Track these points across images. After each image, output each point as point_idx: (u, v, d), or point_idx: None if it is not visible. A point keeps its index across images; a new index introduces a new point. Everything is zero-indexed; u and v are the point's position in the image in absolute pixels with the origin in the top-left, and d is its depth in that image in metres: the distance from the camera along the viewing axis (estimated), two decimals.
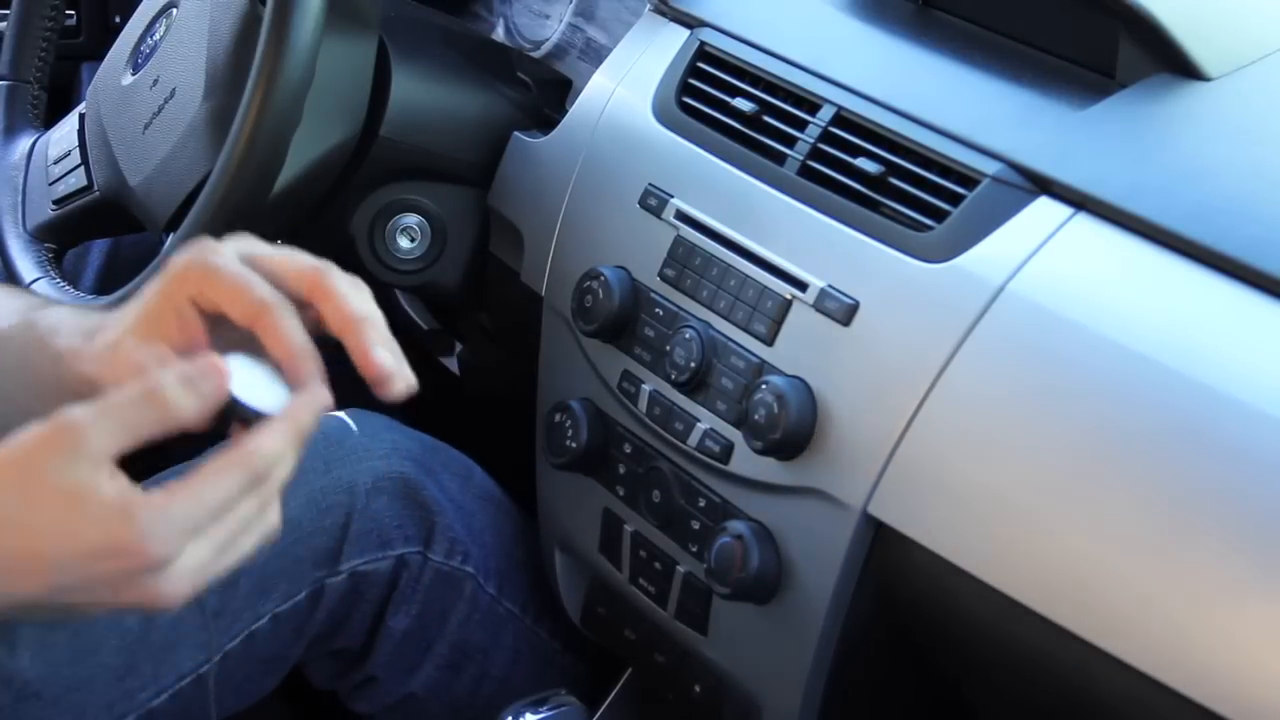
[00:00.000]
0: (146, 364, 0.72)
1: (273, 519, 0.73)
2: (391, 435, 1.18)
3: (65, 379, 0.77)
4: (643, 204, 1.05)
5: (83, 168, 1.24)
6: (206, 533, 0.69)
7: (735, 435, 0.97)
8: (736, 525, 0.96)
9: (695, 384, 0.99)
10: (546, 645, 1.23)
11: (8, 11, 1.32)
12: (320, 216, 1.19)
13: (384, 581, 1.14)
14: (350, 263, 1.22)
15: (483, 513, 1.20)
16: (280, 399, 0.73)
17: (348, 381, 0.75)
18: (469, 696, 1.20)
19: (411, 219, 1.20)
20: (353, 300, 0.74)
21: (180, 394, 0.69)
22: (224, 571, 0.71)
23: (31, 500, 0.67)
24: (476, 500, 1.20)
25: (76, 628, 1.01)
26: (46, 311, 0.83)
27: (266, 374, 0.73)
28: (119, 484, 0.67)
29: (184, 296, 0.74)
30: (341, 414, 1.17)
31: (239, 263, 0.74)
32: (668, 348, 1.01)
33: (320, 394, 0.73)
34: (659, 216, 1.04)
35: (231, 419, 0.71)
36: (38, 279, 1.18)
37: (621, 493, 1.07)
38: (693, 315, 1.01)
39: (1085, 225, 0.87)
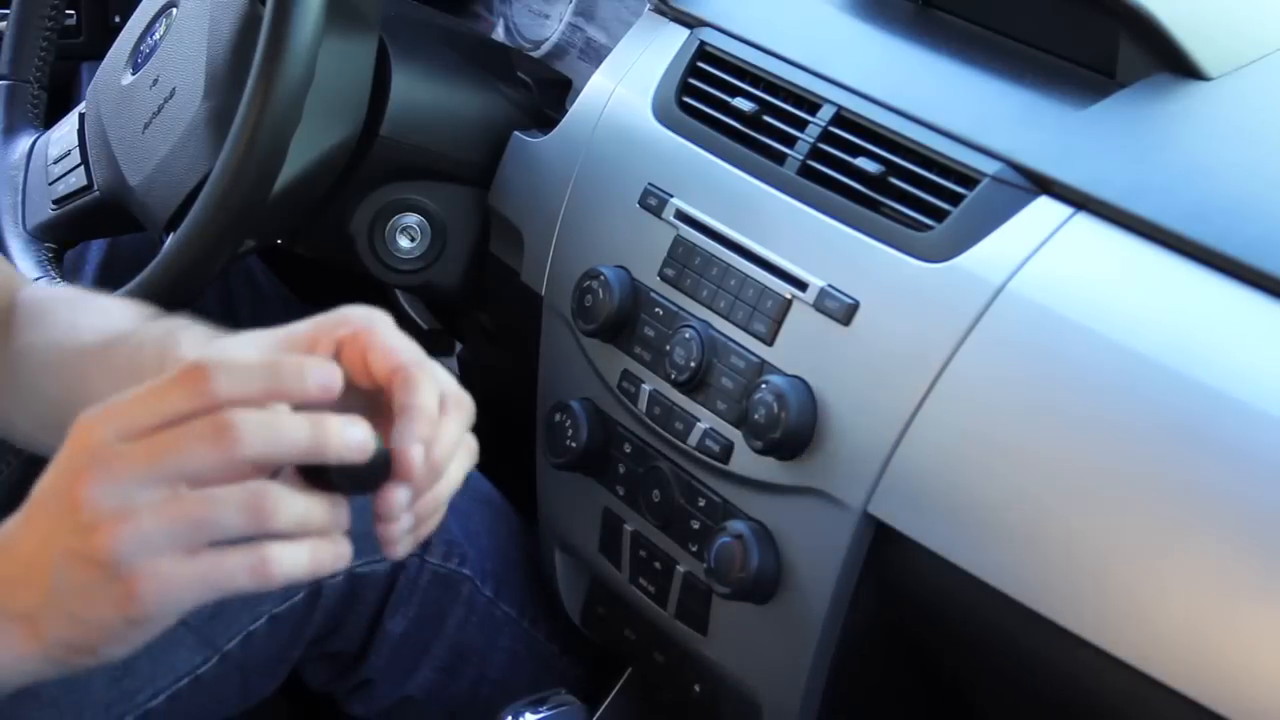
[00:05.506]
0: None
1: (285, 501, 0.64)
2: None
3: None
4: (642, 204, 1.05)
5: (82, 167, 1.24)
6: (160, 488, 0.62)
7: (735, 435, 0.97)
8: (736, 525, 0.96)
9: (695, 384, 0.99)
10: (544, 647, 1.23)
11: (8, 11, 1.32)
12: (320, 216, 1.19)
13: (381, 583, 1.14)
14: (350, 262, 1.22)
15: (479, 515, 1.20)
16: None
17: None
18: (466, 699, 1.20)
19: (411, 219, 1.20)
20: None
21: (298, 370, 0.65)
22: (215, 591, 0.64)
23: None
24: (473, 503, 1.20)
25: None
26: (187, 325, 0.78)
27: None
28: None
29: (331, 341, 0.72)
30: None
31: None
32: (668, 347, 1.00)
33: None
34: (659, 216, 1.04)
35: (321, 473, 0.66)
36: (38, 279, 1.18)
37: (621, 492, 1.07)
38: (693, 315, 1.00)
39: (1085, 225, 0.87)
